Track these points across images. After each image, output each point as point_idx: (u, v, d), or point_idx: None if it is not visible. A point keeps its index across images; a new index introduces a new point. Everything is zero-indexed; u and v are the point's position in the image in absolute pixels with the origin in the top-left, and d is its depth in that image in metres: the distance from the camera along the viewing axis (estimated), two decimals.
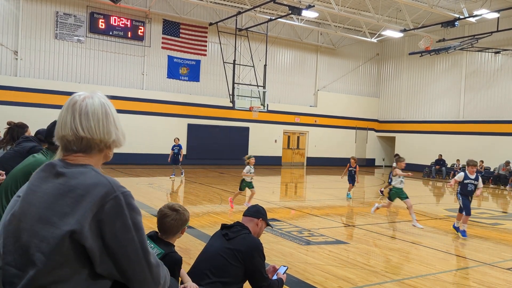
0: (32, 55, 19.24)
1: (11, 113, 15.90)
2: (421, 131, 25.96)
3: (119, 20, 20.91)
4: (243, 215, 3.28)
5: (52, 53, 19.64)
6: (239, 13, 21.03)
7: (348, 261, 6.11)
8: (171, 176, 16.07)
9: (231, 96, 20.83)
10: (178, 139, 16.86)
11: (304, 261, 5.99)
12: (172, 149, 16.41)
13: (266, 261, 3.65)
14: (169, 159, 16.47)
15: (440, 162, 22.54)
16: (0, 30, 18.62)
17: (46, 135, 2.88)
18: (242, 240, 2.97)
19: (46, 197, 1.34)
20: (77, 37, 20.16)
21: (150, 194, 12.12)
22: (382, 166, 28.71)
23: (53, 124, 2.79)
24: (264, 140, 24.82)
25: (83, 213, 1.28)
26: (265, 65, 22.15)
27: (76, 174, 1.36)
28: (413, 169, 25.25)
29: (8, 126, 4.38)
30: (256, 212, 3.24)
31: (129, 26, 21.18)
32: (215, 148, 23.14)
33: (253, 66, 22.28)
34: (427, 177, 22.19)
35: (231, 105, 20.93)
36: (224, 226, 3.16)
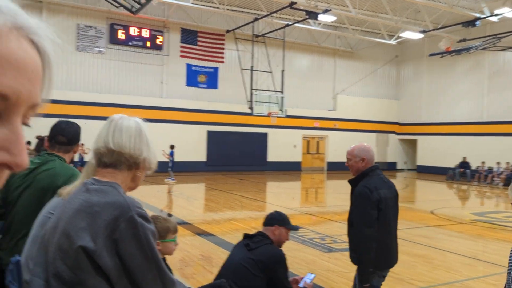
0: (55, 67, 19.64)
1: (36, 125, 16.23)
2: (444, 133, 25.47)
3: (138, 30, 21.25)
4: (262, 225, 3.25)
5: (74, 65, 20.08)
6: (256, 19, 21.12)
7: None
8: (170, 180, 16.69)
9: (249, 102, 20.89)
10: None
11: (327, 268, 5.93)
12: (171, 154, 17.17)
13: (289, 270, 3.62)
14: (171, 164, 17.05)
15: (464, 164, 22.07)
16: None
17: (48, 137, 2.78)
18: (264, 251, 2.95)
19: (70, 212, 1.40)
20: (98, 48, 20.57)
21: (171, 201, 12.22)
22: (404, 169, 28.27)
23: (71, 124, 2.73)
24: (283, 146, 24.76)
25: (97, 230, 1.32)
26: (282, 71, 22.15)
27: (98, 191, 1.41)
28: (436, 172, 24.84)
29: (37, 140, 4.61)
30: (270, 219, 3.18)
31: (148, 36, 21.50)
32: (235, 154, 23.20)
33: (271, 72, 22.30)
34: (451, 180, 21.73)
35: (249, 111, 20.98)
36: (246, 236, 3.14)
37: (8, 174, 0.47)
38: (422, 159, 26.89)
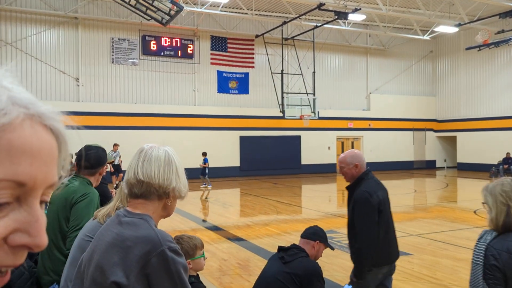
0: (92, 80, 20.39)
1: (75, 137, 16.85)
2: (485, 129, 24.50)
3: (169, 40, 21.68)
4: (300, 237, 3.22)
5: (109, 77, 20.71)
6: (285, 22, 21.09)
7: (413, 274, 5.83)
8: (208, 186, 17.07)
9: (281, 106, 20.85)
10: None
11: None
12: (206, 161, 17.59)
13: (327, 277, 3.57)
14: (207, 170, 17.51)
15: (508, 160, 21.12)
16: (63, 60, 19.94)
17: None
18: (299, 264, 2.91)
19: (104, 245, 1.42)
20: (132, 60, 21.13)
21: (207, 208, 12.34)
22: (444, 167, 27.38)
23: (94, 149, 2.96)
24: (317, 148, 24.53)
25: (129, 265, 1.34)
26: (313, 72, 21.99)
27: (130, 225, 1.43)
28: (479, 169, 23.90)
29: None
30: (313, 234, 3.17)
31: (179, 45, 21.89)
32: (268, 158, 23.20)
33: (302, 74, 22.19)
34: (495, 177, 20.83)
35: (281, 115, 20.93)
36: (280, 249, 3.12)
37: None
38: (463, 156, 25.96)
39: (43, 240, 0.48)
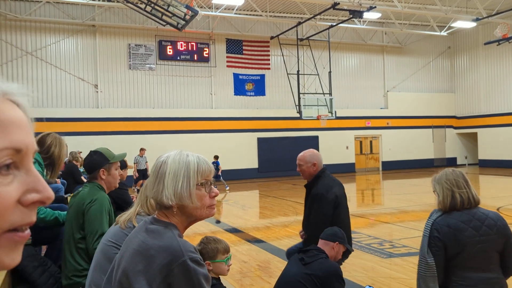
0: (110, 86, 20.72)
1: (95, 143, 17.15)
2: (507, 124, 23.99)
3: (185, 45, 21.87)
4: (319, 238, 3.24)
5: (127, 83, 21.01)
6: (299, 23, 21.07)
7: None
8: (226, 188, 17.34)
9: (297, 107, 20.82)
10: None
11: (387, 276, 5.76)
12: (218, 164, 17.52)
13: (347, 277, 3.57)
14: (220, 173, 17.56)
15: None
16: (81, 67, 20.32)
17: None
18: (319, 265, 2.93)
19: (130, 252, 1.46)
20: (149, 65, 21.40)
21: (225, 210, 12.40)
22: (465, 164, 26.91)
23: (89, 155, 3.11)
24: (335, 148, 24.39)
25: (153, 274, 1.37)
26: (329, 72, 21.89)
27: (155, 233, 1.45)
28: (501, 165, 23.41)
29: None
30: (332, 235, 3.18)
31: (195, 49, 22.07)
32: (286, 159, 23.13)
33: (318, 74, 22.11)
34: None
35: (298, 115, 20.90)
36: (300, 250, 3.13)
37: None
38: (484, 153, 25.47)
39: (51, 192, 0.56)
